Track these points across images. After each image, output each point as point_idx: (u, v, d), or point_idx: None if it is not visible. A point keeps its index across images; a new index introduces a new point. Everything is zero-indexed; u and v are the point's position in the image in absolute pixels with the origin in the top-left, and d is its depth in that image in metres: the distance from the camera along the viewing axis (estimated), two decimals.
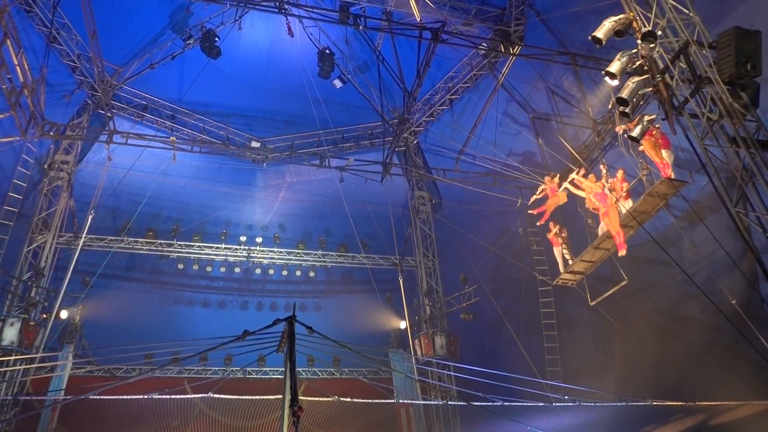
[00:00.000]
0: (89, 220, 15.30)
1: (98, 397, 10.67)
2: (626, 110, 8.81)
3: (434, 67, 15.45)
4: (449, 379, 15.62)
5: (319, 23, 15.78)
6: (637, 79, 8.58)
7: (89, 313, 17.12)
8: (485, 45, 15.20)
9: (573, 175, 12.64)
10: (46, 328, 14.38)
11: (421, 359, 16.01)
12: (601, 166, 12.50)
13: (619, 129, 10.72)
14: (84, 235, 15.23)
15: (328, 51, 16.17)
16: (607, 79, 8.91)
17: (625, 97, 8.56)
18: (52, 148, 16.35)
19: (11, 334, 13.26)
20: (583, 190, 12.27)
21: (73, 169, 16.41)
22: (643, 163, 11.16)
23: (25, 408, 13.67)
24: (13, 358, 13.19)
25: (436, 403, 15.30)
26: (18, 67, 12.97)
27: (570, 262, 13.19)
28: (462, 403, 12.48)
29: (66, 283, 14.23)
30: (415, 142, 19.04)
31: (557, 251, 13.79)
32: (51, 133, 15.32)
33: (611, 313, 13.62)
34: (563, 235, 13.73)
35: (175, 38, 16.31)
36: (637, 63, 8.70)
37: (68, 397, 13.70)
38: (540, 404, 10.13)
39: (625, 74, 8.78)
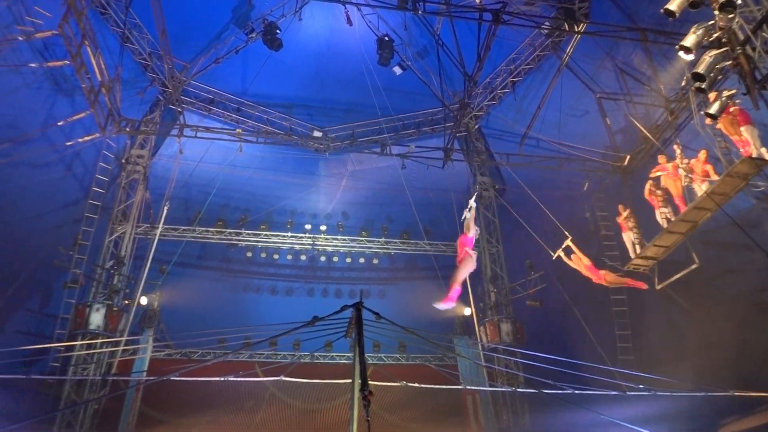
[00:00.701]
0: (164, 211, 16.05)
1: (178, 378, 11.24)
2: (703, 86, 8.33)
3: (495, 50, 15.10)
4: (516, 366, 15.45)
5: (377, 10, 15.79)
6: (714, 52, 8.08)
7: (166, 300, 18.05)
8: (548, 24, 14.73)
9: (567, 242, 12.30)
10: (129, 313, 15.30)
11: (487, 346, 15.90)
12: (675, 146, 11.91)
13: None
14: (161, 226, 15.99)
15: (387, 38, 16.16)
16: (681, 54, 8.42)
17: (702, 72, 8.07)
18: (128, 143, 17.22)
19: (97, 318, 14.24)
20: (573, 262, 12.40)
21: (147, 163, 17.24)
22: (721, 141, 10.54)
23: (112, 388, 14.62)
24: (100, 341, 14.14)
25: (504, 390, 15.15)
26: (96, 67, 13.73)
27: (638, 248, 12.73)
28: (532, 390, 12.26)
29: (146, 271, 15.01)
30: (476, 126, 18.76)
31: (626, 236, 13.33)
32: (127, 129, 16.16)
33: (687, 300, 13.04)
34: (632, 220, 13.24)
35: (238, 32, 16.77)
36: (714, 35, 8.17)
37: (152, 378, 14.54)
38: (612, 393, 9.85)
39: (700, 48, 8.30)
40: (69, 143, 14.53)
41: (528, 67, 16.69)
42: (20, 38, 12.47)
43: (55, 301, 15.32)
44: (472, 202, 9.97)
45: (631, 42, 13.12)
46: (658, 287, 12.50)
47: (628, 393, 9.84)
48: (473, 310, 16.91)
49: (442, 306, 9.33)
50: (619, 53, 14.27)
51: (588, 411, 8.07)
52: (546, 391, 8.83)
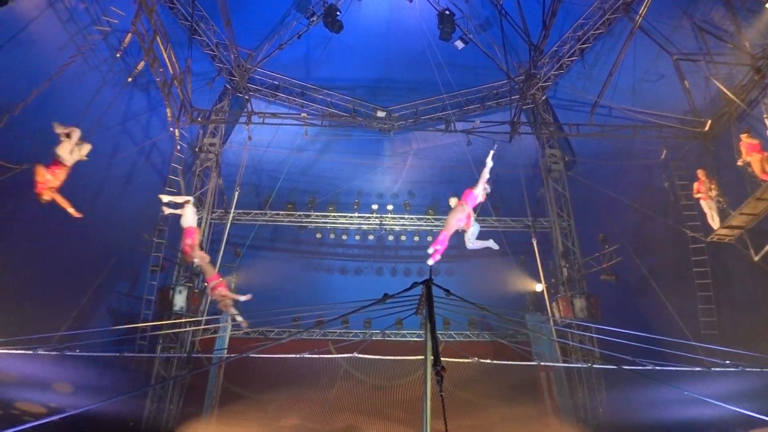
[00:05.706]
0: (236, 196, 16.63)
1: (257, 355, 11.74)
2: None
3: (561, 17, 14.49)
4: (591, 341, 15.05)
5: None
6: None
7: (241, 281, 18.77)
8: None
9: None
10: (208, 295, 16.05)
11: (560, 322, 15.57)
12: (763, 107, 11.08)
13: None
14: (233, 211, 16.61)
15: (447, 12, 15.85)
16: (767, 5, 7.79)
17: None
18: (200, 132, 17.92)
19: (181, 300, 15.10)
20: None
21: (219, 151, 17.89)
22: None
23: (196, 365, 15.48)
24: (184, 320, 14.96)
25: (580, 366, 14.79)
26: (167, 61, 14.30)
27: (716, 217, 12.02)
28: (610, 366, 11.87)
29: (221, 254, 15.67)
30: (543, 98, 18.15)
31: (707, 205, 12.62)
32: (199, 119, 16.80)
33: None
34: (715, 188, 12.49)
35: (300, 17, 16.94)
36: None
37: (232, 356, 15.25)
38: (696, 369, 9.40)
39: None
40: (149, 141, 15.28)
41: (597, 32, 15.91)
42: (99, 38, 13.17)
43: (141, 284, 16.32)
44: (489, 160, 9.66)
45: None
46: (756, 258, 11.74)
47: (712, 369, 9.37)
48: (545, 285, 16.56)
49: (430, 261, 8.91)
50: (698, 10, 13.34)
51: (670, 387, 7.73)
52: (625, 367, 8.53)
